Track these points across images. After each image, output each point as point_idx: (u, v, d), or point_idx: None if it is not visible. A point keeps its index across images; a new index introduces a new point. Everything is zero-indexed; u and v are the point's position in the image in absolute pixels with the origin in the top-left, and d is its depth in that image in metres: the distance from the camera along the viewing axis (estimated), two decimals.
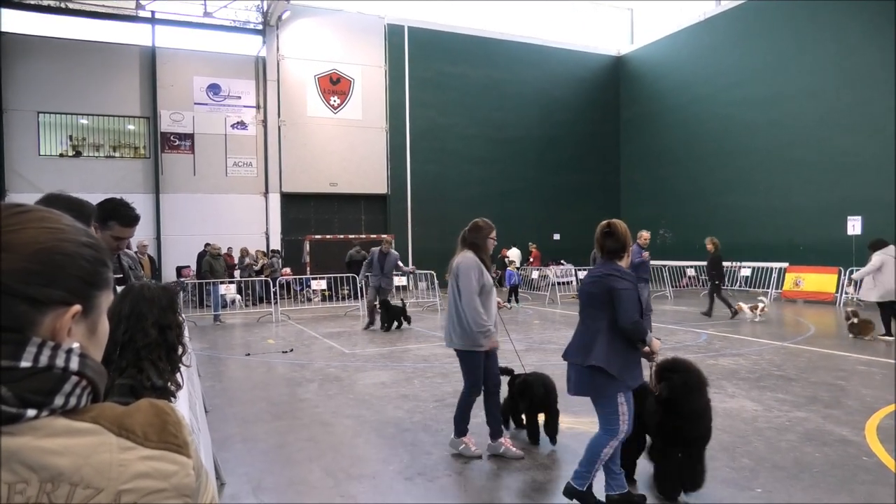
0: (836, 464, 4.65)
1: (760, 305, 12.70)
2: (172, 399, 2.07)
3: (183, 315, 2.31)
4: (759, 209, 20.24)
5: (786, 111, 19.46)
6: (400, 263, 13.17)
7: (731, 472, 4.52)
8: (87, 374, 0.76)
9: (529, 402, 5.22)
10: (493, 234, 5.03)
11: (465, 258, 4.86)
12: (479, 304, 4.74)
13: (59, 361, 0.73)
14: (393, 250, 13.02)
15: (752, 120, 20.59)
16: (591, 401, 3.96)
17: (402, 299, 13.36)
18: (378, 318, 12.47)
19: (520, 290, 17.55)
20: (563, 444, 5.19)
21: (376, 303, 12.48)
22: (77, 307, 0.76)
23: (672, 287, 18.95)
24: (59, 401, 0.72)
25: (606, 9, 27.49)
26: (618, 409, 3.77)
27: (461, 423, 5.02)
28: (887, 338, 9.93)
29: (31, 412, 0.69)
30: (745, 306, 12.90)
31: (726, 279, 19.25)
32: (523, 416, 5.51)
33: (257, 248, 19.45)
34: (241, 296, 16.27)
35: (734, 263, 18.97)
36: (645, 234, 10.02)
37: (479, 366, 4.89)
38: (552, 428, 5.26)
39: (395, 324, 12.36)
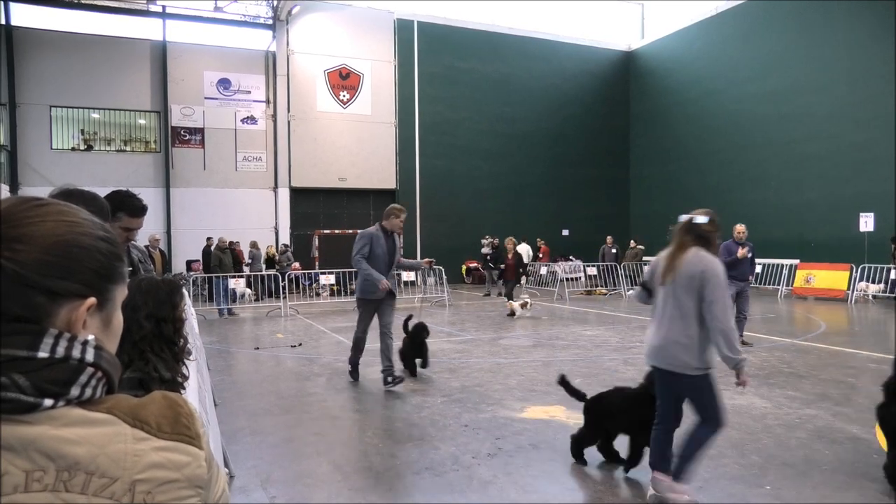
0: (846, 462, 4.63)
1: (528, 302, 13.59)
2: (182, 391, 2.08)
3: (185, 309, 2.28)
4: (770, 205, 20.09)
5: (797, 106, 19.29)
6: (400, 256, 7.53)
7: (740, 469, 4.51)
8: (103, 366, 0.77)
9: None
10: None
11: (709, 262, 3.71)
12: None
13: (76, 353, 0.74)
14: None
15: (763, 115, 20.42)
16: None
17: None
18: (365, 356, 7.47)
19: (525, 285, 17.52)
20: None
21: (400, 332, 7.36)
22: (92, 300, 0.77)
23: None
24: (75, 391, 0.73)
25: (617, 4, 27.33)
26: None
27: (688, 463, 3.88)
28: None
29: (48, 402, 0.71)
30: (515, 304, 13.45)
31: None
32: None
33: (269, 245, 19.57)
34: (251, 289, 16.37)
35: None
36: (739, 228, 9.10)
37: (713, 388, 3.83)
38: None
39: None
